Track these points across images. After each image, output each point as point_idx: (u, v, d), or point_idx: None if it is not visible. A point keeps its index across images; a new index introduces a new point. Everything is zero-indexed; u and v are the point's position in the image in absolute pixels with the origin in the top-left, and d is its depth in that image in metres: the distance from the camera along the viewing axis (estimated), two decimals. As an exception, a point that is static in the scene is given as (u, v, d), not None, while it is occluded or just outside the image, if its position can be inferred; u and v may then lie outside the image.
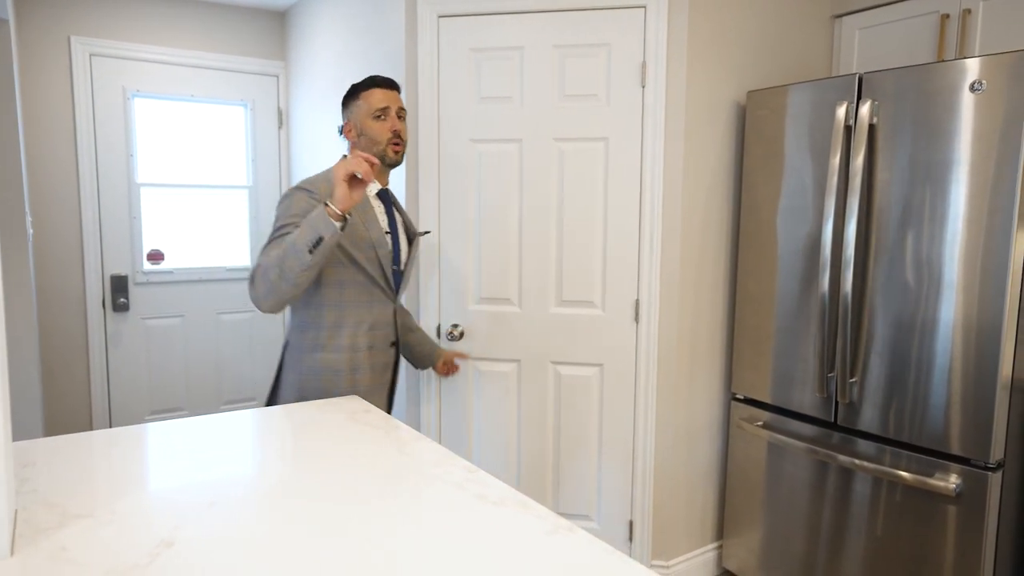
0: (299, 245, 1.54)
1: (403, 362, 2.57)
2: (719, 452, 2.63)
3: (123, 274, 3.47)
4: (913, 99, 1.94)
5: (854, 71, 2.65)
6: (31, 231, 2.85)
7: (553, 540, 0.94)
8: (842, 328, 2.09)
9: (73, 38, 3.26)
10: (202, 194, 3.66)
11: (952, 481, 1.90)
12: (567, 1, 2.35)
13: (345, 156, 1.85)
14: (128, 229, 3.47)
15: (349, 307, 1.78)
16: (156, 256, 3.56)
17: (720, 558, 2.67)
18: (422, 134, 2.49)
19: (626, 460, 2.51)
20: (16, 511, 1.00)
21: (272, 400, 1.86)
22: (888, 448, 2.05)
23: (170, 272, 3.60)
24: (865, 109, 2.03)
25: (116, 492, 1.08)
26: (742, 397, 2.50)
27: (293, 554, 0.90)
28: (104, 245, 3.42)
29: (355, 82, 1.87)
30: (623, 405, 2.48)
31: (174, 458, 1.24)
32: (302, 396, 1.77)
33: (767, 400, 2.39)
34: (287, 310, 4.02)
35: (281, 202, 1.75)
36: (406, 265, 1.92)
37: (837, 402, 2.17)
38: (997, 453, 1.84)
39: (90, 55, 3.31)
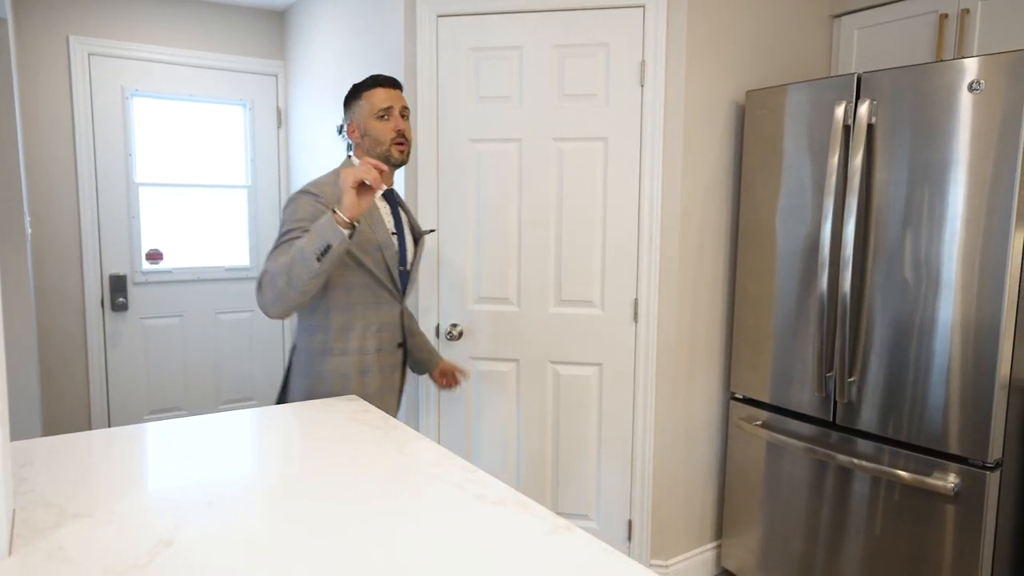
0: (307, 253, 1.52)
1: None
2: (718, 451, 2.63)
3: (122, 274, 3.47)
4: (911, 99, 1.94)
5: (853, 71, 2.65)
6: (29, 231, 2.85)
7: (552, 540, 0.94)
8: (841, 328, 2.09)
9: (72, 37, 3.25)
10: (201, 194, 3.66)
11: (950, 480, 1.90)
12: (566, 1, 2.35)
13: (349, 156, 1.84)
14: (127, 229, 3.47)
15: (356, 310, 1.76)
16: (155, 256, 3.56)
17: (719, 557, 2.67)
18: (421, 134, 2.49)
19: (625, 460, 2.51)
20: (14, 511, 1.00)
21: (281, 403, 1.86)
22: (887, 447, 2.05)
23: (169, 272, 3.60)
24: (864, 109, 2.03)
25: (114, 492, 1.08)
26: (741, 397, 2.50)
27: (292, 554, 0.90)
28: (103, 245, 3.41)
29: (357, 82, 1.85)
30: (622, 405, 2.48)
31: (173, 458, 1.24)
32: (312, 400, 1.76)
33: (766, 400, 2.40)
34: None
35: (287, 206, 1.73)
36: (412, 265, 1.91)
37: (836, 402, 2.18)
38: (995, 452, 1.85)
39: (89, 54, 3.31)
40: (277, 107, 3.83)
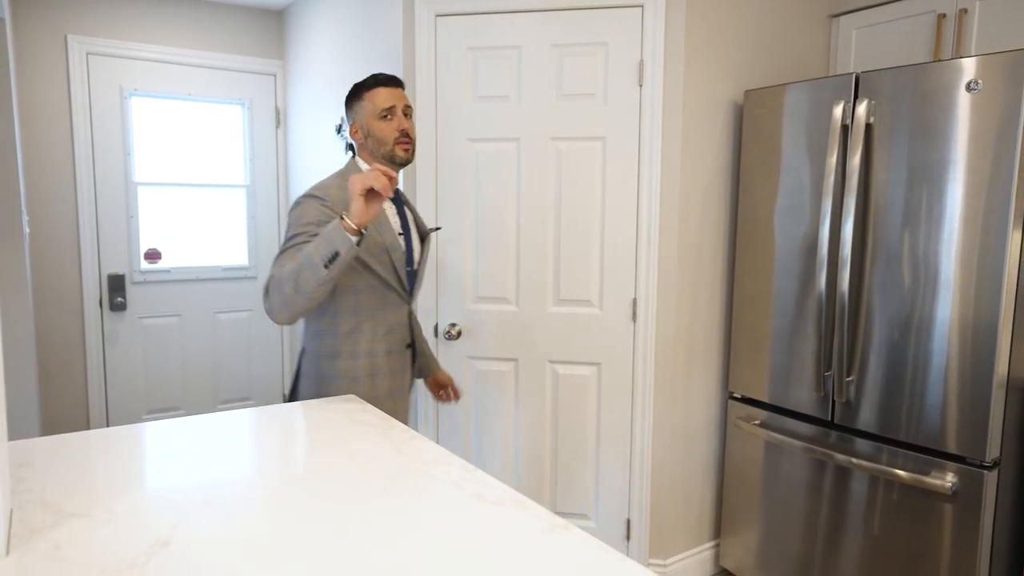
0: (315, 259, 1.50)
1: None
2: (716, 451, 2.63)
3: (120, 273, 3.46)
4: (910, 99, 1.95)
5: (851, 70, 2.66)
6: (27, 230, 2.85)
7: (550, 539, 0.95)
8: (839, 327, 2.10)
9: (70, 37, 3.25)
10: (199, 193, 3.66)
11: (948, 480, 1.91)
12: (565, 0, 2.35)
13: (353, 157, 1.82)
14: (125, 228, 3.47)
15: (365, 313, 1.75)
16: (153, 255, 3.56)
17: (717, 557, 2.67)
18: (420, 134, 2.49)
19: (623, 459, 2.51)
20: (11, 511, 1.00)
21: None
22: (885, 447, 2.06)
23: (167, 271, 3.59)
24: (862, 108, 2.03)
25: (112, 491, 1.08)
26: (739, 396, 2.51)
27: (291, 553, 0.90)
28: (101, 244, 3.41)
29: (357, 81, 1.83)
30: (621, 404, 2.48)
31: (171, 457, 1.24)
32: None
33: (764, 399, 2.40)
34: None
35: (292, 210, 1.71)
36: (419, 265, 1.89)
37: (834, 401, 2.18)
38: (993, 452, 1.85)
39: (87, 54, 3.31)
40: (276, 107, 3.83)
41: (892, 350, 2.02)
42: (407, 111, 1.80)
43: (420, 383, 2.59)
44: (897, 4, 2.50)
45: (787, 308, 2.31)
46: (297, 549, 0.91)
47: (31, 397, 2.59)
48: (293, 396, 1.85)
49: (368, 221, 1.52)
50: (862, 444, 2.11)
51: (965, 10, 2.30)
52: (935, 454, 1.95)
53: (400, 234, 1.81)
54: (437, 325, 2.57)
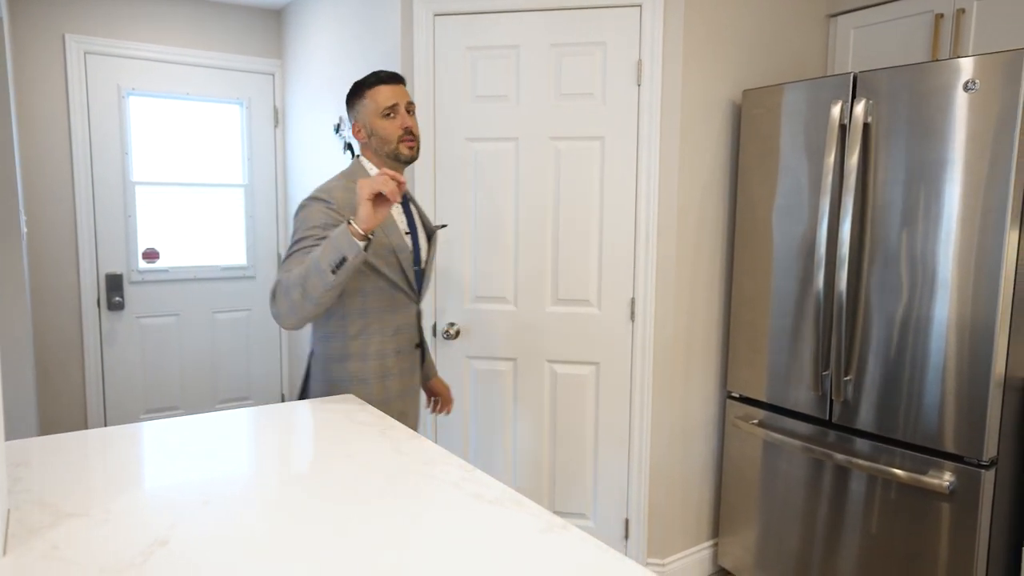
0: (322, 265, 1.48)
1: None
2: (715, 450, 2.63)
3: (118, 273, 3.46)
4: (907, 98, 1.95)
5: (849, 70, 2.66)
6: (25, 230, 2.84)
7: (547, 538, 0.95)
8: (837, 326, 2.10)
9: (68, 36, 3.25)
10: (198, 192, 3.66)
11: (946, 479, 1.91)
12: (563, 0, 2.35)
13: (357, 156, 1.80)
14: (123, 228, 3.46)
15: (373, 314, 1.73)
16: (151, 255, 3.55)
17: (716, 556, 2.67)
18: (418, 133, 2.48)
19: (622, 458, 2.51)
20: (9, 511, 1.00)
21: None
22: (882, 446, 2.06)
23: (165, 271, 3.59)
24: (860, 108, 2.03)
25: (110, 491, 1.08)
26: (737, 395, 2.51)
27: (289, 553, 0.90)
28: (99, 244, 3.41)
29: (357, 79, 1.80)
30: (619, 403, 2.49)
31: (169, 457, 1.24)
32: None
33: (762, 398, 2.40)
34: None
35: (297, 213, 1.69)
36: (427, 263, 1.88)
37: (832, 400, 2.18)
38: (990, 451, 1.85)
39: (85, 53, 3.30)
40: (274, 106, 3.82)
41: (890, 349, 2.03)
42: (410, 108, 1.78)
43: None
44: (895, 4, 2.50)
45: (785, 307, 2.31)
46: (295, 548, 0.91)
47: (29, 397, 2.59)
48: (303, 397, 1.84)
49: (376, 226, 1.49)
50: (860, 443, 2.12)
51: (963, 10, 2.30)
52: (933, 453, 1.96)
53: (407, 233, 1.79)
54: (436, 325, 2.57)
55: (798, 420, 2.29)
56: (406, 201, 1.84)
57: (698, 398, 2.55)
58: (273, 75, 3.81)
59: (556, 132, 2.42)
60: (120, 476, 1.15)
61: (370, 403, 1.73)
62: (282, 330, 3.97)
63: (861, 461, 2.07)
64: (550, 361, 2.53)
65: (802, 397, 2.27)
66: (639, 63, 2.33)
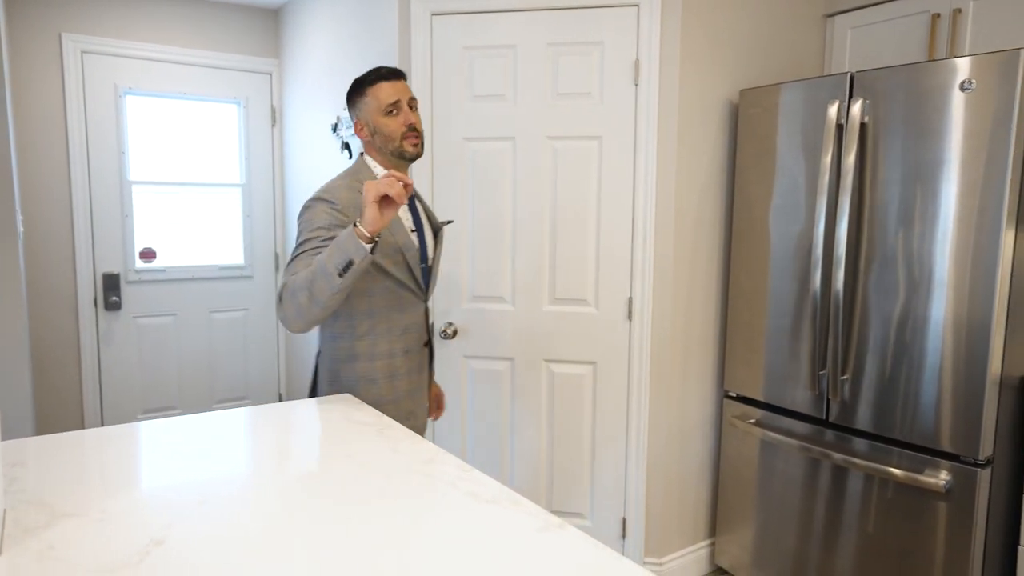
0: (328, 268, 1.47)
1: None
2: (712, 449, 2.64)
3: (115, 272, 3.46)
4: (904, 98, 1.95)
5: (846, 70, 2.66)
6: (22, 229, 2.84)
7: (544, 537, 0.95)
8: (833, 326, 2.10)
9: (64, 35, 3.24)
10: (195, 192, 3.65)
11: (942, 477, 1.91)
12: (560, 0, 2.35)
13: (361, 155, 1.78)
14: (120, 227, 3.46)
15: (380, 314, 1.71)
16: (148, 254, 3.55)
17: (713, 555, 2.68)
18: (415, 132, 2.48)
19: (619, 458, 2.51)
20: (5, 510, 1.00)
21: None
22: (879, 445, 2.06)
23: (162, 270, 3.59)
24: (856, 108, 2.03)
25: (107, 491, 1.08)
26: (735, 395, 2.51)
27: (285, 552, 0.90)
28: (96, 243, 3.40)
29: (358, 76, 1.74)
30: (616, 403, 2.49)
31: (165, 457, 1.24)
32: None
33: (759, 397, 2.40)
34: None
35: (302, 214, 1.67)
36: (434, 260, 1.85)
37: (829, 399, 2.18)
38: (986, 449, 1.86)
39: (81, 52, 3.30)
40: (272, 105, 3.82)
41: (886, 349, 2.03)
42: (412, 103, 1.74)
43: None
44: (892, 4, 2.50)
45: (782, 307, 2.31)
46: (291, 548, 0.91)
47: (25, 396, 2.58)
48: (312, 397, 1.82)
49: (382, 228, 1.48)
50: (857, 442, 2.12)
51: (959, 10, 2.31)
52: (929, 452, 1.96)
53: (412, 231, 1.76)
54: (433, 324, 2.57)
55: (795, 419, 2.29)
56: (412, 198, 1.81)
57: (695, 397, 2.55)
58: (270, 74, 3.80)
59: (553, 132, 2.42)
60: (116, 476, 1.14)
61: (379, 403, 1.71)
62: (280, 330, 3.96)
63: (858, 460, 2.08)
64: (547, 361, 2.53)
65: (799, 396, 2.27)
66: (636, 63, 2.34)
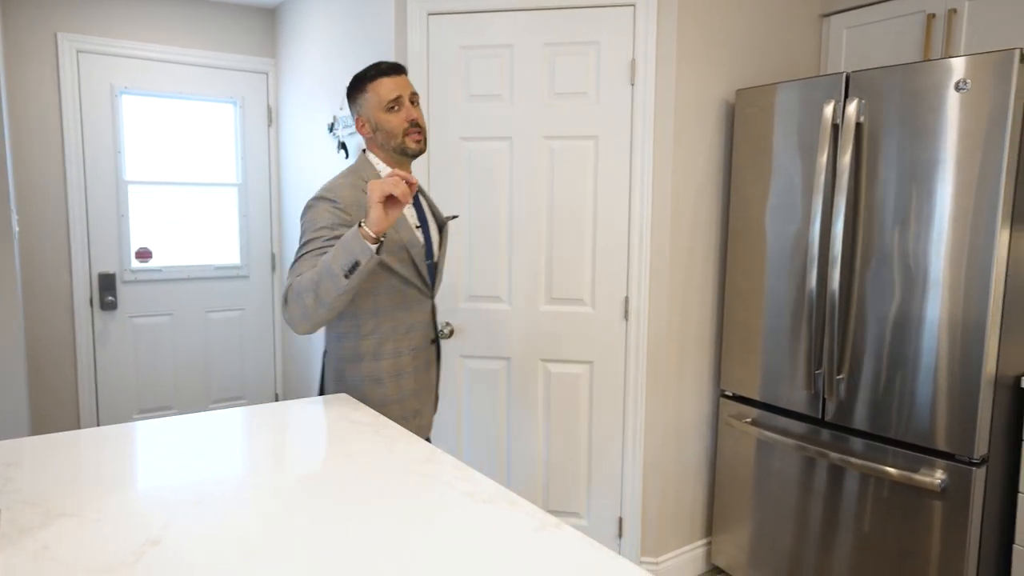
0: (334, 269, 1.44)
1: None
2: (708, 449, 2.64)
3: (111, 272, 3.45)
4: (899, 98, 1.96)
5: (842, 70, 2.67)
6: (17, 229, 2.83)
7: (541, 537, 0.95)
8: (829, 325, 2.11)
9: (60, 34, 3.23)
10: (191, 192, 3.64)
11: (937, 476, 1.92)
12: (556, -1, 2.36)
13: (363, 151, 1.75)
14: (116, 227, 3.45)
15: (385, 313, 1.69)
16: (144, 254, 3.54)
17: (709, 554, 2.68)
18: (412, 132, 2.48)
19: (615, 457, 2.51)
20: (0, 511, 1.00)
21: None
22: (875, 444, 2.07)
23: (158, 270, 3.58)
24: (852, 108, 2.04)
25: (102, 491, 1.08)
26: (731, 394, 2.52)
27: (280, 552, 0.90)
28: (91, 243, 3.39)
29: (358, 72, 1.71)
30: (612, 402, 2.49)
31: (161, 457, 1.24)
32: None
33: (756, 397, 2.41)
34: (277, 308, 4.00)
35: (304, 213, 1.65)
36: (439, 256, 1.83)
37: (824, 399, 2.19)
38: (981, 448, 1.86)
39: (77, 52, 3.29)
40: (268, 105, 3.81)
41: (882, 348, 2.04)
42: (414, 98, 1.71)
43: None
44: (887, 4, 2.51)
45: (778, 306, 2.32)
46: (287, 548, 0.91)
47: (20, 396, 2.58)
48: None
49: (387, 228, 1.46)
50: (853, 442, 2.13)
51: (954, 10, 2.32)
52: (924, 451, 1.97)
53: (417, 227, 1.74)
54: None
55: (791, 419, 2.30)
56: (415, 194, 1.78)
57: (691, 397, 2.56)
58: (266, 74, 3.80)
59: (550, 131, 2.43)
60: (112, 476, 1.14)
61: (384, 403, 1.70)
62: (276, 330, 3.96)
63: (854, 459, 2.08)
64: (544, 360, 2.54)
65: (795, 396, 2.28)
66: (633, 62, 2.34)
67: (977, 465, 1.86)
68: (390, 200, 1.45)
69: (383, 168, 1.71)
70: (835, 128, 2.10)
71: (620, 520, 2.54)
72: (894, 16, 2.49)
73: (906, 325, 1.98)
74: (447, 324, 2.55)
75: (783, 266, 2.29)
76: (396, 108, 1.67)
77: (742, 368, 2.45)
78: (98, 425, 3.50)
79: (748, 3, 2.50)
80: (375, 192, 1.43)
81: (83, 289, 3.37)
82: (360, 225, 1.44)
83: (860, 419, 2.10)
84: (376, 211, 1.43)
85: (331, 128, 3.09)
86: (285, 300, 1.55)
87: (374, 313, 1.68)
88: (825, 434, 2.20)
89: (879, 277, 2.04)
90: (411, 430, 1.75)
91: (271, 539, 0.93)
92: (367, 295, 1.67)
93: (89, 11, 3.30)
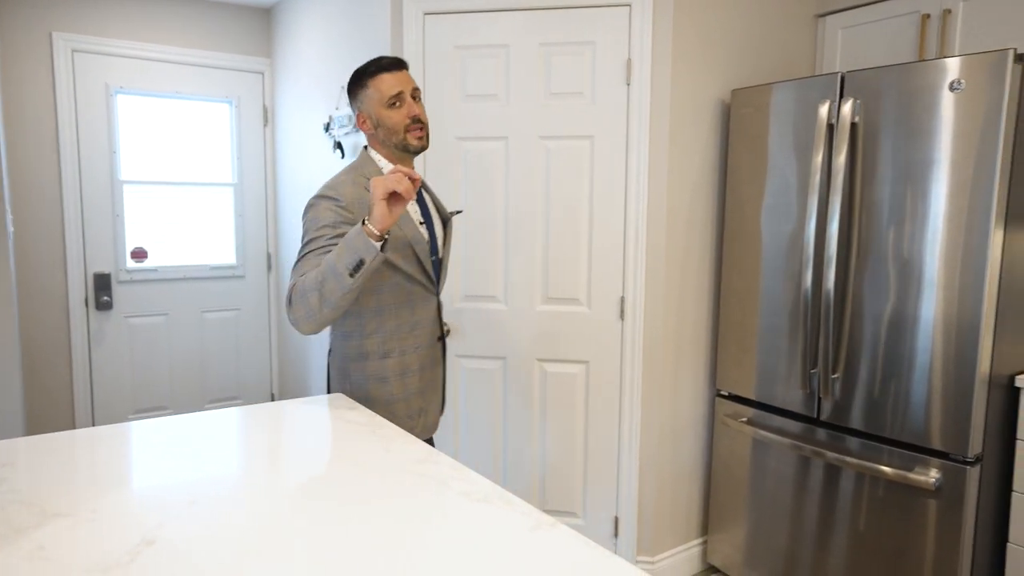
0: (339, 268, 1.42)
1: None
2: (704, 448, 2.65)
3: (106, 272, 3.44)
4: (894, 98, 1.96)
5: (837, 70, 2.67)
6: (12, 229, 2.82)
7: (537, 536, 0.95)
8: (824, 325, 2.11)
9: (55, 34, 3.22)
10: (186, 191, 3.64)
11: (932, 475, 1.93)
12: (552, -1, 2.36)
13: (365, 148, 1.73)
14: (111, 227, 3.44)
15: (389, 312, 1.67)
16: (140, 254, 3.53)
17: (705, 553, 2.69)
18: (408, 132, 2.48)
19: (611, 457, 2.52)
20: (-5, 511, 0.99)
21: None
22: (870, 443, 2.08)
23: (154, 270, 3.57)
24: (847, 108, 2.04)
25: (97, 491, 1.08)
26: (726, 393, 2.52)
27: (276, 552, 0.90)
28: (87, 243, 3.39)
29: (358, 67, 1.69)
30: (608, 402, 2.49)
31: (157, 457, 1.24)
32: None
33: (751, 396, 2.41)
34: (273, 308, 4.00)
35: (306, 212, 1.63)
36: (444, 252, 1.81)
37: (820, 398, 2.20)
38: (975, 447, 1.87)
39: (72, 51, 3.28)
40: (263, 105, 3.81)
41: (877, 348, 2.04)
42: (416, 94, 1.68)
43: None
44: (882, 4, 2.52)
45: (774, 306, 2.32)
46: (283, 548, 0.91)
47: (15, 396, 2.57)
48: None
49: (391, 225, 1.44)
50: (848, 441, 2.13)
51: (949, 11, 2.32)
52: (919, 450, 1.97)
53: (421, 223, 1.72)
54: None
55: (787, 418, 2.30)
56: (419, 189, 1.75)
57: (687, 396, 2.56)
58: (262, 74, 3.79)
59: (546, 131, 2.43)
60: (107, 476, 1.14)
61: (389, 402, 1.69)
62: (272, 330, 3.95)
63: (849, 458, 2.09)
64: (540, 360, 2.54)
65: (791, 395, 2.28)
66: (628, 62, 2.34)
67: (971, 464, 1.87)
68: (393, 197, 1.43)
69: (385, 165, 1.69)
70: (830, 128, 2.11)
71: (616, 519, 2.54)
72: (889, 16, 2.50)
73: (901, 325, 1.98)
74: (444, 324, 2.55)
75: (779, 266, 2.30)
76: (398, 104, 1.64)
77: (738, 367, 2.46)
78: (93, 425, 3.49)
79: (744, 3, 2.51)
80: (378, 189, 1.41)
81: (78, 289, 3.36)
82: (364, 223, 1.42)
83: (855, 418, 2.10)
84: (380, 208, 1.41)
85: (327, 128, 3.08)
86: (289, 300, 1.53)
87: (378, 312, 1.66)
88: (820, 433, 2.20)
89: (874, 277, 2.04)
90: (417, 429, 1.73)
91: (267, 539, 0.93)
92: (371, 294, 1.65)
93: (84, 10, 3.29)
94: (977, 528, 1.91)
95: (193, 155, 3.65)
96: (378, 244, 1.43)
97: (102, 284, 3.43)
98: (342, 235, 1.54)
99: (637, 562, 2.53)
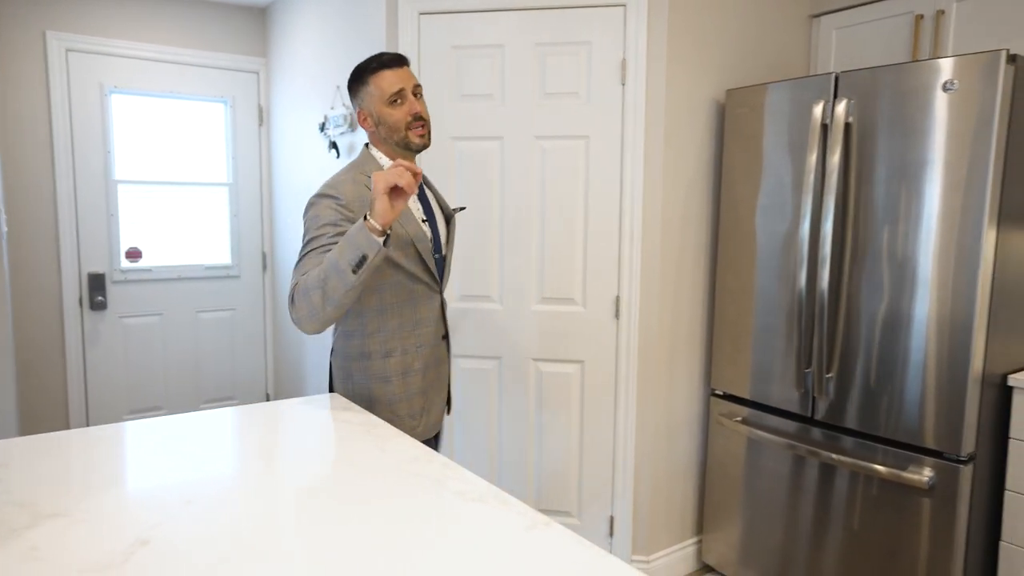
0: (341, 265, 1.41)
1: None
2: (699, 448, 2.65)
3: (100, 272, 3.43)
4: (888, 98, 1.97)
5: (831, 70, 2.68)
6: (5, 229, 2.81)
7: (532, 536, 0.95)
8: (819, 324, 2.12)
9: (49, 33, 3.21)
10: (181, 191, 3.63)
11: (925, 474, 1.94)
12: (548, -1, 2.36)
13: (366, 146, 1.72)
14: (105, 227, 3.43)
15: (391, 311, 1.66)
16: (134, 254, 3.52)
17: (700, 552, 2.69)
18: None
19: (607, 456, 2.52)
20: (-11, 511, 0.99)
21: None
22: (864, 442, 2.08)
23: (148, 270, 3.56)
24: (841, 108, 2.05)
25: (91, 491, 1.07)
26: (721, 393, 2.53)
27: (271, 552, 0.90)
28: (81, 243, 3.37)
29: (359, 64, 1.67)
30: (604, 401, 2.50)
31: (151, 457, 1.24)
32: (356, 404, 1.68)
33: (746, 396, 2.42)
34: (268, 308, 3.99)
35: (306, 211, 1.62)
36: (447, 250, 1.79)
37: (814, 397, 2.20)
38: (968, 446, 1.88)
39: (66, 50, 3.27)
40: (259, 104, 3.80)
41: (871, 347, 2.05)
42: (417, 91, 1.66)
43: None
44: (876, 5, 2.53)
45: (768, 305, 2.33)
46: (278, 547, 0.91)
47: (9, 397, 2.56)
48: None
49: (393, 220, 1.43)
50: (842, 440, 2.14)
51: (942, 11, 2.33)
52: (913, 449, 1.98)
53: (423, 220, 1.70)
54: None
55: (781, 417, 2.31)
56: (421, 186, 1.73)
57: (682, 396, 2.57)
58: (257, 73, 3.79)
59: (541, 131, 2.43)
60: (101, 476, 1.14)
61: (391, 401, 1.68)
62: (267, 330, 3.95)
63: (843, 457, 2.10)
64: (535, 360, 2.54)
65: (785, 394, 2.29)
66: (623, 62, 2.34)
67: (964, 463, 1.88)
68: (395, 191, 1.42)
69: (386, 163, 1.67)
70: (824, 128, 2.12)
71: (611, 519, 2.55)
72: (883, 17, 2.51)
73: (895, 324, 1.99)
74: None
75: (773, 265, 2.31)
76: (399, 101, 1.63)
77: (732, 367, 2.46)
78: (88, 425, 3.48)
79: (738, 4, 2.52)
80: (380, 183, 1.39)
81: (72, 289, 3.35)
82: (366, 218, 1.41)
83: (849, 417, 2.11)
84: (381, 202, 1.39)
85: (322, 128, 3.08)
86: (292, 299, 1.52)
87: (380, 311, 1.65)
88: (815, 432, 2.21)
89: (868, 276, 2.05)
90: (419, 428, 1.72)
91: (262, 538, 0.93)
92: (372, 293, 1.64)
93: (78, 10, 3.28)
94: (970, 526, 1.92)
95: (188, 155, 3.64)
96: (380, 239, 1.41)
97: (96, 284, 3.42)
98: (343, 233, 1.53)
99: (632, 561, 2.53)
